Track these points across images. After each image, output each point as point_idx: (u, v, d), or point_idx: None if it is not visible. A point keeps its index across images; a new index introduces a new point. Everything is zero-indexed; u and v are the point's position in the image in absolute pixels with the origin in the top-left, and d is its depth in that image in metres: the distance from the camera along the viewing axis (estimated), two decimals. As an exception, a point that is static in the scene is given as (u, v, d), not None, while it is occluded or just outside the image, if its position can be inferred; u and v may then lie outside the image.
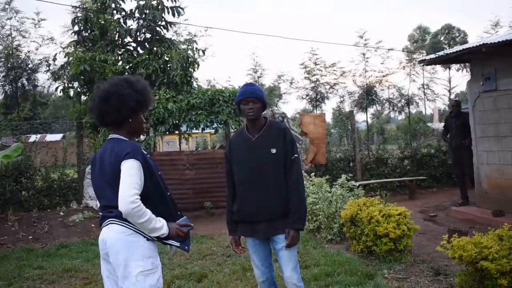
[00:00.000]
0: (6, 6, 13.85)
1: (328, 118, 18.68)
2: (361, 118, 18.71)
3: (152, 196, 2.90)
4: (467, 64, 11.14)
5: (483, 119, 9.44)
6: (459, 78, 35.51)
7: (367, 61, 16.10)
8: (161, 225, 2.85)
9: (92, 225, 9.76)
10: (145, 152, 3.00)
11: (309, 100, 16.21)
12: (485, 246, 4.17)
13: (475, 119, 9.61)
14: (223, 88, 11.48)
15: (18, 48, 14.08)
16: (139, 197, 2.71)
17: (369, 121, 17.37)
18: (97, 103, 3.01)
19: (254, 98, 3.68)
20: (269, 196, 3.64)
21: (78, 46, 11.31)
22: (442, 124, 15.75)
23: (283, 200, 3.63)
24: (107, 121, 3.02)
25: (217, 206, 10.84)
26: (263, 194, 3.64)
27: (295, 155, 3.70)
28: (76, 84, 11.50)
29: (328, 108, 26.04)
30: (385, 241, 6.08)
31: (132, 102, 2.97)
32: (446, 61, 12.02)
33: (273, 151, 3.64)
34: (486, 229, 4.74)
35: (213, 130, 13.00)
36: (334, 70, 15.84)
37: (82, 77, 10.97)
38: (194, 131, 12.70)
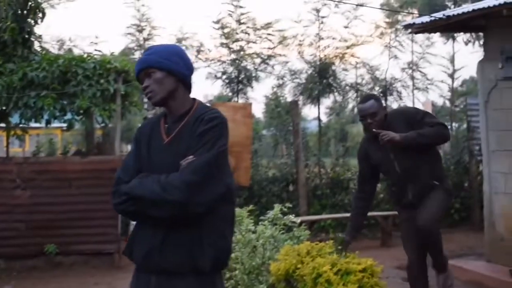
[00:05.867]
0: None
1: (258, 112, 20.54)
2: (311, 114, 18.63)
3: None
4: (480, 34, 11.26)
5: (501, 121, 9.22)
6: (468, 55, 35.93)
7: (322, 23, 15.99)
8: None
9: None
10: None
11: (228, 81, 16.01)
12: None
13: (487, 121, 9.46)
14: (85, 55, 11.16)
15: None
16: None
17: (324, 119, 17.56)
18: None
19: (149, 67, 3.42)
20: (176, 236, 3.44)
21: None
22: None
23: (201, 244, 3.46)
24: None
25: (66, 252, 10.25)
26: (166, 231, 3.41)
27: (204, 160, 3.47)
28: None
29: (258, 96, 26.19)
30: (341, 315, 5.78)
31: None
32: (447, 28, 12.09)
33: (191, 158, 3.42)
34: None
35: (66, 124, 11.93)
36: (269, 34, 15.85)
37: None
38: (33, 124, 12.06)
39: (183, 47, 17.37)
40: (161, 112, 3.69)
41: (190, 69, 3.57)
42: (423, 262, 6.56)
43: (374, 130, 6.09)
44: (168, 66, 3.37)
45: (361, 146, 6.74)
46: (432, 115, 6.38)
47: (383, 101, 11.63)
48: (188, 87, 3.50)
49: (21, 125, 11.58)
